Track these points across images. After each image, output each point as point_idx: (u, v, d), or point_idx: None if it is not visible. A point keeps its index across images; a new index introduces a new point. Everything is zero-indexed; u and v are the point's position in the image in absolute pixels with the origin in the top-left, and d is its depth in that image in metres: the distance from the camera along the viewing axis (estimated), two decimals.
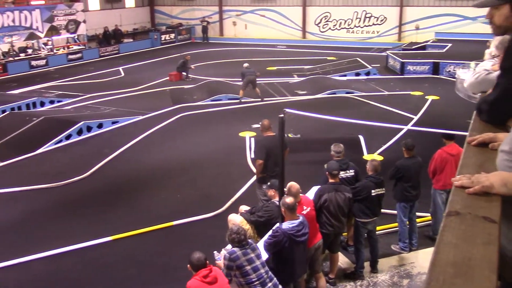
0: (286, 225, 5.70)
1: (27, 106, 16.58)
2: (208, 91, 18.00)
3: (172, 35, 33.44)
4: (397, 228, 7.86)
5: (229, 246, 5.56)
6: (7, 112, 15.33)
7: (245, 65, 17.87)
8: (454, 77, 18.52)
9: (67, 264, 7.61)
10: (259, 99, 17.04)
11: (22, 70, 24.01)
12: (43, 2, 27.69)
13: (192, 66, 21.31)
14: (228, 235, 5.35)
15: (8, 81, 21.85)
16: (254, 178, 9.35)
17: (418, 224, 8.00)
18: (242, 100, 16.91)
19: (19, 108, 16.21)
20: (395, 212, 7.84)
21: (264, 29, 33.36)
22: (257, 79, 17.27)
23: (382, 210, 7.43)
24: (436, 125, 11.95)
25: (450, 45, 24.74)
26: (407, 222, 7.73)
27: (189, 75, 21.00)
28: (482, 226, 1.28)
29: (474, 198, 1.43)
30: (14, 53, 25.01)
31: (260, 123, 8.44)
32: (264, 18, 33.33)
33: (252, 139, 12.73)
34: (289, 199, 5.80)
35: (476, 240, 1.22)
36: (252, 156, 11.04)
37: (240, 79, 17.33)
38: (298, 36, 32.60)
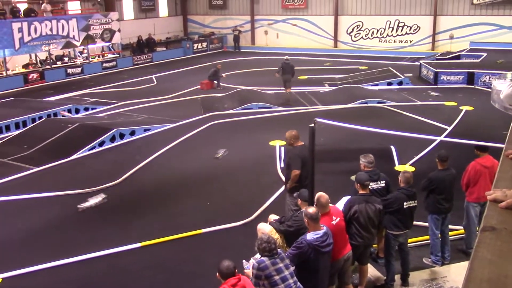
0: (311, 236, 5.65)
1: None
2: (239, 99, 18.09)
3: (204, 44, 33.82)
4: (429, 241, 7.71)
5: (258, 255, 5.55)
6: (44, 119, 15.73)
7: (286, 57, 18.88)
8: (489, 88, 18.14)
9: (96, 269, 7.72)
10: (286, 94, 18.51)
11: (59, 77, 24.64)
12: (79, 12, 28.40)
13: (224, 75, 21.47)
14: (259, 244, 5.33)
15: (45, 88, 22.45)
16: (283, 187, 9.31)
17: (451, 237, 7.83)
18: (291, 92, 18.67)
19: (55, 114, 16.62)
20: (427, 224, 7.70)
21: (295, 38, 33.40)
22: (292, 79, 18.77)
23: (414, 222, 7.30)
24: (470, 137, 11.75)
25: (485, 54, 24.25)
26: (439, 235, 7.57)
27: (220, 84, 21.16)
28: None
29: (510, 213, 1.39)
30: (51, 61, 25.71)
31: (287, 134, 8.28)
32: (295, 27, 33.38)
33: (282, 148, 12.70)
34: (311, 209, 5.76)
35: None
36: (282, 165, 11.01)
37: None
38: (330, 45, 32.52)
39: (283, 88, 19.17)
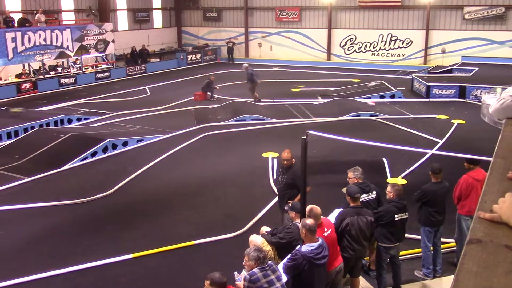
0: (306, 248, 5.65)
1: (55, 123, 16.93)
2: (232, 111, 18.13)
3: (198, 56, 33.91)
4: (420, 254, 7.73)
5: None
6: (36, 129, 15.67)
7: (246, 64, 20.45)
8: (480, 102, 18.28)
9: (88, 280, 7.67)
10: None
11: (52, 87, 24.58)
12: (73, 22, 28.43)
13: (217, 86, 21.52)
14: (250, 255, 5.32)
15: (37, 98, 22.40)
16: (276, 199, 9.30)
17: (442, 250, 7.85)
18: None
19: (47, 124, 16.57)
20: (419, 237, 7.73)
21: (289, 50, 33.59)
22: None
23: (406, 235, 7.32)
24: (461, 150, 11.81)
25: (477, 69, 24.48)
26: (431, 248, 7.60)
27: (213, 95, 21.21)
28: (504, 255, 1.27)
29: (497, 226, 1.41)
30: (45, 71, 25.66)
31: (285, 155, 8.16)
32: (289, 40, 33.59)
33: (275, 160, 12.71)
34: (309, 221, 5.76)
35: (497, 269, 1.20)
36: (275, 177, 11.01)
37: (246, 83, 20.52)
38: (323, 58, 32.71)
39: (252, 96, 20.39)
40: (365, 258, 7.41)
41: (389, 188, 7.11)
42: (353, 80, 25.58)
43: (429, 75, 24.27)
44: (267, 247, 6.26)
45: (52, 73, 26.19)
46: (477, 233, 1.37)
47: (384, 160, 12.51)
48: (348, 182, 7.31)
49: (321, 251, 5.67)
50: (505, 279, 1.16)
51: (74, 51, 26.54)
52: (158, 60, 33.08)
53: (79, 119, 17.84)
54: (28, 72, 25.43)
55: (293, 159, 8.06)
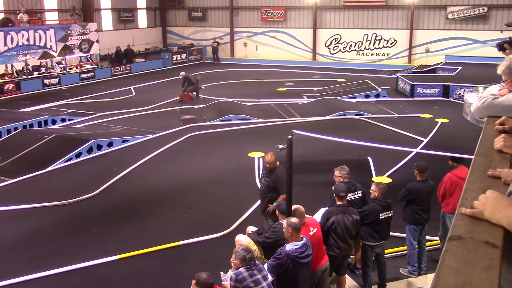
0: (290, 247, 5.67)
1: (39, 123, 16.74)
2: (218, 111, 18.10)
3: (184, 56, 33.78)
4: (406, 252, 7.80)
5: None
6: (19, 130, 15.49)
7: (183, 73, 21.35)
8: (463, 100, 18.51)
9: (75, 282, 7.61)
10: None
11: (35, 88, 24.30)
12: (57, 22, 28.16)
13: (203, 86, 21.48)
14: (237, 254, 5.33)
15: (21, 99, 22.13)
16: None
17: (427, 247, 7.93)
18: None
19: (31, 125, 16.38)
20: (404, 235, 7.79)
21: (274, 50, 33.64)
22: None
23: (391, 233, 7.37)
24: (445, 148, 11.94)
25: (460, 68, 24.75)
26: (417, 245, 7.67)
27: (199, 95, 21.16)
28: (484, 251, 1.29)
29: (478, 222, 1.44)
30: (28, 71, 25.37)
31: (269, 157, 8.03)
32: (274, 40, 33.63)
33: (261, 160, 12.71)
34: (294, 219, 5.80)
35: (478, 265, 1.22)
36: (260, 177, 11.01)
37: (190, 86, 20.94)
38: (309, 57, 32.81)
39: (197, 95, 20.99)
40: (351, 256, 7.45)
41: (373, 187, 7.16)
42: (338, 80, 25.69)
43: (414, 74, 24.47)
44: (253, 247, 6.27)
45: (36, 74, 25.89)
46: (458, 230, 1.39)
47: (369, 159, 12.59)
48: (335, 181, 7.35)
49: (305, 250, 5.69)
50: (485, 274, 1.18)
51: (58, 51, 26.30)
52: (143, 60, 32.89)
53: (63, 120, 17.67)
54: (11, 72, 25.12)
55: (277, 162, 7.98)
